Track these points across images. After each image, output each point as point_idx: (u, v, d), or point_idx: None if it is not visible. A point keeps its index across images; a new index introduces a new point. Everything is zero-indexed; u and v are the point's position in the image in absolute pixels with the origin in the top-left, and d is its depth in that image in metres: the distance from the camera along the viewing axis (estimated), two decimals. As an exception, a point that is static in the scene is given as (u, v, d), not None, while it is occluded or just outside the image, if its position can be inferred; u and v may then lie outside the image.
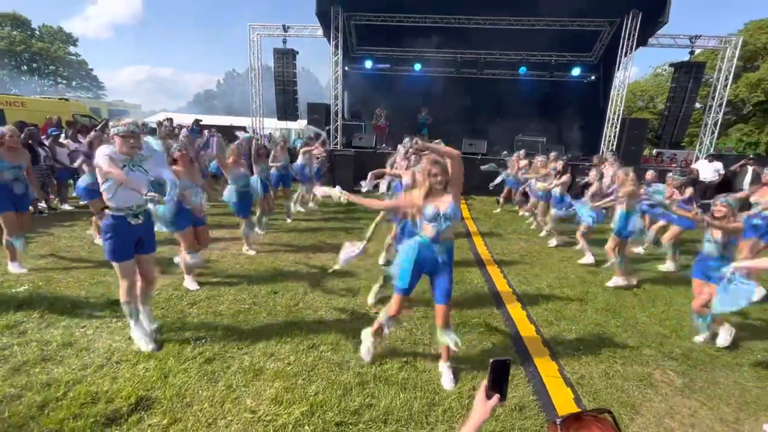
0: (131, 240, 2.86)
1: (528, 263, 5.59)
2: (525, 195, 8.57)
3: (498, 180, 8.92)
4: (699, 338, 3.54)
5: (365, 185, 5.66)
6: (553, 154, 7.60)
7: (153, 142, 3.10)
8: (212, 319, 3.49)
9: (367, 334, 2.90)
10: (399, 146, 5.26)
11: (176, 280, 4.20)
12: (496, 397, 1.08)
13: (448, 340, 2.66)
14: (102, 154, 2.61)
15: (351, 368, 2.84)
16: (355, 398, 2.52)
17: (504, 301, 4.19)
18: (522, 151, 9.04)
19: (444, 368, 2.78)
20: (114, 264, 2.84)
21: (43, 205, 7.14)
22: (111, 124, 2.83)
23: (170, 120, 13.67)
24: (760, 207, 4.59)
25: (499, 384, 1.09)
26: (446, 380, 2.73)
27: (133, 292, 2.94)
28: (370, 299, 3.96)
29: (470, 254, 5.88)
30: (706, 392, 2.82)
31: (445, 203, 2.53)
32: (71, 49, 43.93)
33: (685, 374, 3.03)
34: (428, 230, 2.58)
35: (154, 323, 3.14)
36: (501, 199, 9.43)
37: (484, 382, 1.10)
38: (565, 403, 2.60)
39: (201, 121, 14.24)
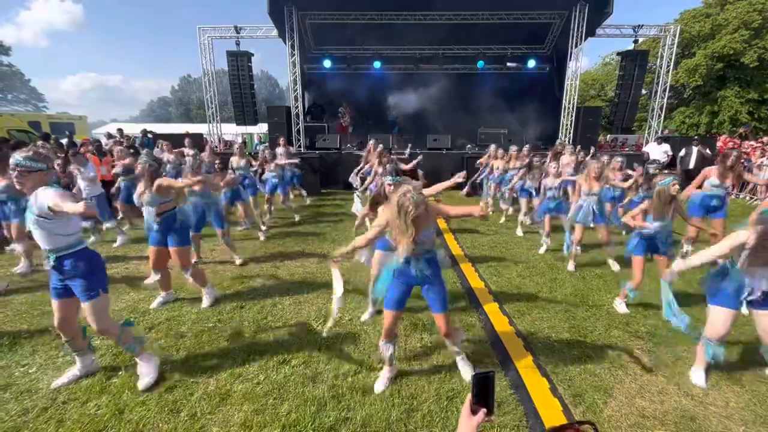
0: (53, 280, 2.57)
1: (498, 254, 5.65)
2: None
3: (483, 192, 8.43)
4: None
5: (353, 182, 6.03)
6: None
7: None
8: (173, 342, 3.25)
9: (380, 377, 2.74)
10: (369, 142, 5.26)
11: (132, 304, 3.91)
12: (482, 411, 1.00)
13: (454, 348, 2.75)
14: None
15: (325, 381, 2.72)
16: (330, 413, 2.40)
17: (477, 296, 4.19)
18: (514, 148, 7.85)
19: (459, 361, 2.84)
20: None
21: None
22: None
23: (120, 131, 12.89)
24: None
25: (484, 398, 1.01)
26: (464, 372, 2.79)
27: (63, 332, 2.67)
28: (364, 317, 3.69)
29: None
30: (671, 368, 2.92)
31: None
32: (3, 59, 40.60)
33: (652, 352, 3.14)
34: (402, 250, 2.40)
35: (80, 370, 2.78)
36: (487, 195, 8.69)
37: (469, 397, 1.02)
38: (542, 395, 2.60)
39: (150, 131, 13.53)
